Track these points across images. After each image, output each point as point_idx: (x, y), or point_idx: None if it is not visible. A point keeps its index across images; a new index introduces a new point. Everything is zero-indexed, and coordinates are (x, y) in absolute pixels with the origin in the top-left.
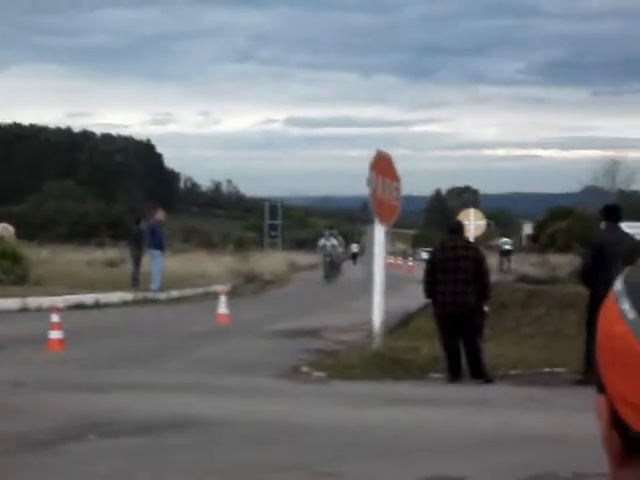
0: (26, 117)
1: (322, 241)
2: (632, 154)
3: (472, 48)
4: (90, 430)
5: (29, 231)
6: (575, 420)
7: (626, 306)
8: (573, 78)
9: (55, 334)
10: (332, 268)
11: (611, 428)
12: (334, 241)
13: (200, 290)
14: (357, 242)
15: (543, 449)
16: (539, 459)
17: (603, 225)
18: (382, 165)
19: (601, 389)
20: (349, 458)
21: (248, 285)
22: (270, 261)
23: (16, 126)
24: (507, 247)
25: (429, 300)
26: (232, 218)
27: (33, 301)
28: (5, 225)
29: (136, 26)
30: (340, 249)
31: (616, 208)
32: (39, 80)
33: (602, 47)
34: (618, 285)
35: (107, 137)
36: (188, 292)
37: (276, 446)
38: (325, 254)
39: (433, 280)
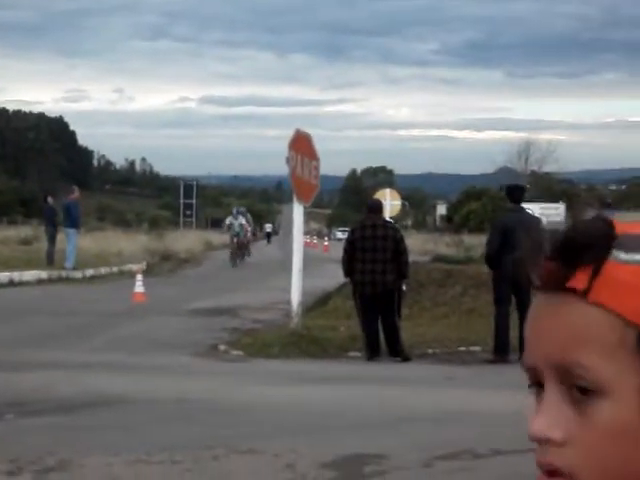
0: None
1: (229, 219)
2: (545, 136)
3: (386, 28)
4: (8, 409)
5: None
6: (491, 398)
7: None
8: (487, 60)
9: None
10: (240, 249)
11: None
12: (242, 220)
13: (115, 269)
14: (271, 222)
15: (461, 426)
16: (457, 436)
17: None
18: (301, 144)
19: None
20: (268, 435)
21: (164, 264)
22: (185, 240)
23: None
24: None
25: (347, 279)
26: (146, 197)
27: None
28: None
29: (50, 2)
30: (249, 228)
31: (519, 188)
32: None
33: (517, 29)
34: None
35: (20, 114)
36: (103, 271)
37: (195, 423)
38: (232, 234)
39: (352, 259)
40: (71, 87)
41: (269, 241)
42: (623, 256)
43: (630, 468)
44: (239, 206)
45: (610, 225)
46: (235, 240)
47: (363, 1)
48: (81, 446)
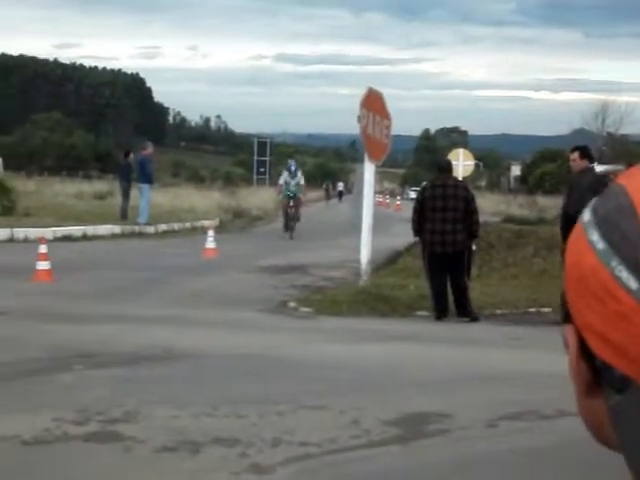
0: (14, 47)
1: (285, 177)
2: (622, 97)
3: None
4: (77, 360)
5: (16, 163)
6: (558, 359)
7: (595, 237)
8: (565, 20)
9: (42, 265)
10: (296, 214)
11: (579, 358)
12: (301, 177)
13: (188, 225)
14: (343, 180)
15: (526, 387)
16: (523, 397)
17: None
18: (373, 102)
19: (567, 319)
20: (333, 392)
21: (236, 221)
22: (258, 197)
23: (4, 57)
24: None
25: (417, 238)
26: (220, 154)
27: (20, 232)
28: None
29: None
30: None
31: (587, 148)
32: (26, 10)
33: None
34: (586, 216)
35: (95, 70)
36: (176, 226)
37: (261, 379)
38: (287, 194)
39: (421, 218)
40: (146, 43)
41: (341, 199)
42: None
43: None
44: (293, 160)
45: None
46: (291, 203)
47: None
48: (147, 398)
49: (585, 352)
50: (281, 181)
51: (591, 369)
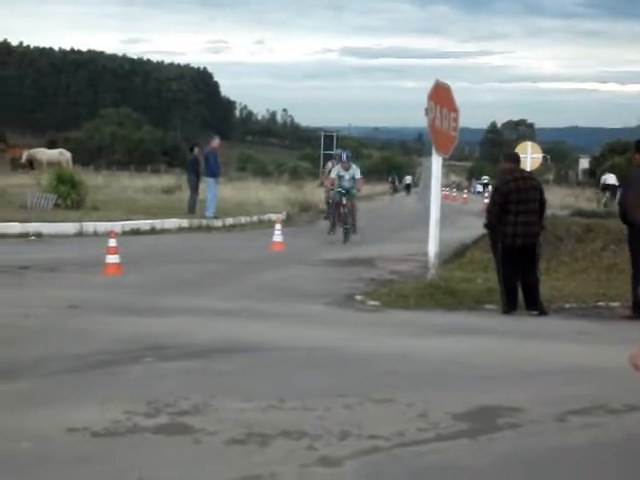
0: (82, 43)
1: (336, 169)
2: None
3: None
4: (147, 353)
5: (85, 157)
6: (626, 354)
7: None
8: (633, 11)
9: (112, 258)
10: (347, 215)
11: None
12: (356, 171)
13: (255, 218)
14: (410, 174)
15: (595, 381)
16: (591, 391)
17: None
18: (441, 95)
19: None
20: (401, 385)
21: (302, 214)
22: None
23: (73, 52)
24: (611, 182)
25: (486, 231)
26: (287, 147)
27: (89, 226)
28: (62, 150)
29: None
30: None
31: None
32: (94, 5)
33: None
34: None
35: (163, 64)
36: (243, 220)
37: (329, 372)
38: (339, 190)
39: (503, 211)
40: (213, 38)
41: (408, 193)
42: None
43: None
44: (346, 150)
45: None
46: (344, 201)
47: None
48: (216, 391)
49: None
50: (333, 174)
51: None
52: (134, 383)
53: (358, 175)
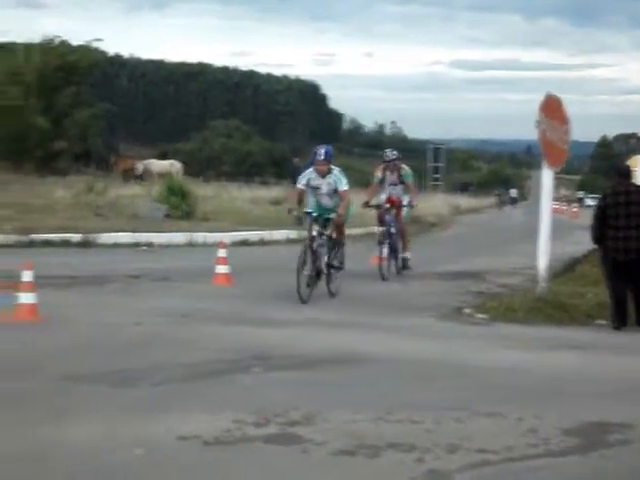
0: (192, 56)
1: (307, 176)
2: None
3: None
4: (255, 362)
5: (195, 168)
6: None
7: None
8: None
9: (221, 269)
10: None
11: None
12: (339, 179)
13: (360, 230)
14: (518, 187)
15: None
16: None
17: None
18: (552, 107)
19: None
20: (511, 399)
21: (411, 227)
22: (433, 204)
23: (183, 65)
24: None
25: (596, 246)
26: None
27: (199, 236)
28: (173, 162)
29: None
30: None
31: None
32: (204, 19)
33: None
34: None
35: (271, 76)
36: (350, 232)
37: (436, 384)
38: (312, 213)
39: (603, 225)
40: (321, 51)
41: (514, 206)
42: None
43: None
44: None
45: None
46: (316, 234)
47: None
48: (324, 401)
49: None
50: (301, 183)
51: None
52: (243, 392)
53: (343, 186)
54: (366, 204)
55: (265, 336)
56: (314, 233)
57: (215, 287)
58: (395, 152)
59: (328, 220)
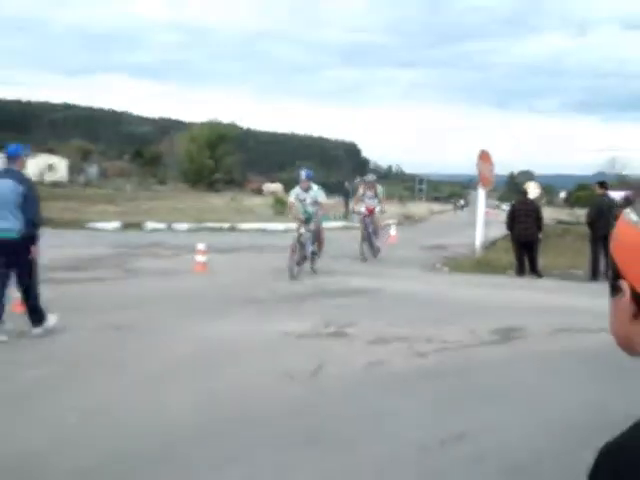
0: (286, 128)
1: (296, 192)
2: None
3: None
4: (325, 293)
5: (289, 188)
6: (584, 299)
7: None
8: None
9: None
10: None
11: (631, 299)
12: (318, 193)
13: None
14: (463, 199)
15: (574, 315)
16: (571, 320)
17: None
18: (484, 156)
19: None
20: (461, 315)
21: (406, 220)
22: (419, 208)
23: (283, 134)
24: None
25: (508, 232)
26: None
27: (292, 226)
28: (278, 184)
29: None
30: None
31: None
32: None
33: None
34: (628, 211)
35: (330, 140)
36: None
37: (420, 306)
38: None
39: (512, 220)
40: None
41: (462, 210)
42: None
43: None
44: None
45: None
46: (302, 230)
47: None
48: (358, 315)
49: (634, 295)
50: (292, 197)
51: (637, 305)
52: (316, 309)
53: (321, 198)
54: (352, 211)
55: (326, 280)
56: (302, 231)
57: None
58: (374, 176)
59: (309, 221)
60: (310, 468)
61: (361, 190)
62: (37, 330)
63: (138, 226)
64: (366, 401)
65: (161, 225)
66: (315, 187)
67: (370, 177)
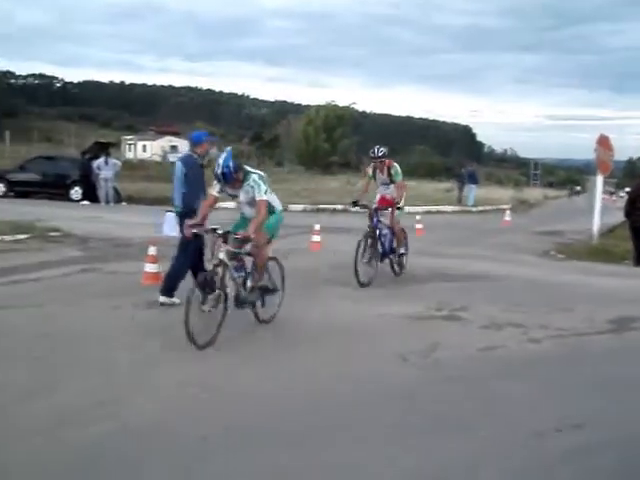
0: (403, 111)
1: (218, 186)
2: None
3: None
4: (437, 277)
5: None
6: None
7: None
8: None
9: (419, 226)
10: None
11: None
12: (256, 187)
13: (494, 207)
14: (579, 185)
15: None
16: None
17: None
18: (603, 141)
19: None
20: (576, 302)
21: (520, 205)
22: (534, 193)
23: (401, 117)
24: None
25: (625, 219)
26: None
27: (407, 209)
28: None
29: None
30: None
31: None
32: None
33: None
34: None
35: (448, 123)
36: (488, 207)
37: (535, 292)
38: (216, 229)
39: (630, 207)
40: (473, 107)
41: (578, 196)
42: None
43: None
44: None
45: None
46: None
47: None
48: (473, 298)
49: None
50: (214, 190)
51: None
52: (429, 293)
53: (261, 195)
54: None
55: (441, 262)
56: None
57: (415, 237)
58: (383, 149)
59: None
60: (425, 450)
61: (369, 171)
62: (162, 298)
63: None
64: (479, 385)
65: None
66: (254, 178)
67: (376, 150)
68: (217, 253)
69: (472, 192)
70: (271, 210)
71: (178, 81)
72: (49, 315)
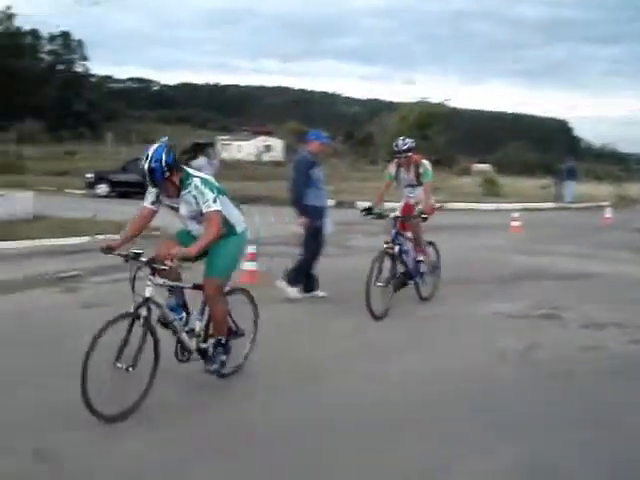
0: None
1: (153, 194)
2: None
3: None
4: (535, 275)
5: (497, 169)
6: None
7: None
8: None
9: (516, 223)
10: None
11: None
12: (201, 194)
13: (593, 204)
14: None
15: None
16: None
17: None
18: None
19: None
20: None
21: (621, 202)
22: (634, 189)
23: (489, 112)
24: None
25: None
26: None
27: (502, 206)
28: (487, 165)
29: None
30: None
31: None
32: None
33: None
34: None
35: (537, 117)
36: (588, 204)
37: (638, 291)
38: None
39: None
40: (569, 103)
41: None
42: None
43: None
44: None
45: None
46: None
47: None
48: (573, 298)
49: None
50: (147, 202)
51: None
52: (528, 291)
53: (209, 205)
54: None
55: (537, 260)
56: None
57: (511, 234)
58: (408, 141)
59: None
60: (510, 450)
61: (392, 170)
62: (285, 286)
63: (351, 204)
64: (580, 386)
65: (368, 204)
66: (199, 183)
67: (401, 143)
68: (142, 289)
69: (571, 188)
70: (229, 230)
71: (270, 81)
72: None
